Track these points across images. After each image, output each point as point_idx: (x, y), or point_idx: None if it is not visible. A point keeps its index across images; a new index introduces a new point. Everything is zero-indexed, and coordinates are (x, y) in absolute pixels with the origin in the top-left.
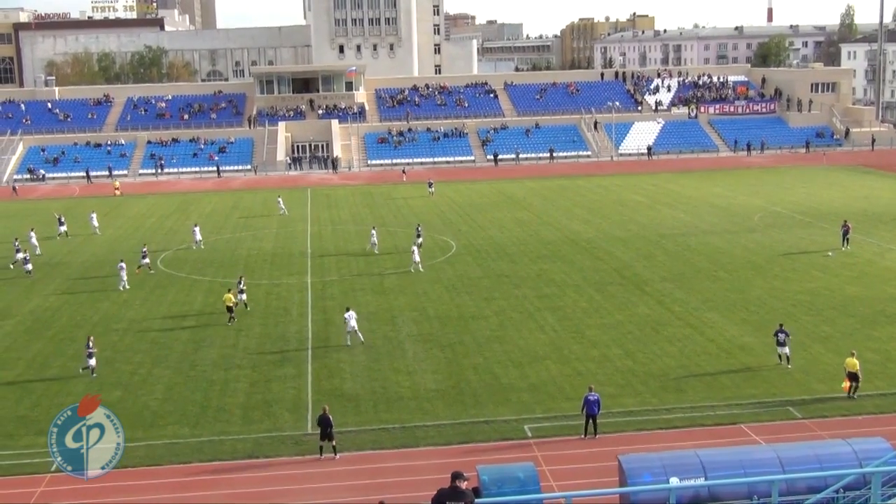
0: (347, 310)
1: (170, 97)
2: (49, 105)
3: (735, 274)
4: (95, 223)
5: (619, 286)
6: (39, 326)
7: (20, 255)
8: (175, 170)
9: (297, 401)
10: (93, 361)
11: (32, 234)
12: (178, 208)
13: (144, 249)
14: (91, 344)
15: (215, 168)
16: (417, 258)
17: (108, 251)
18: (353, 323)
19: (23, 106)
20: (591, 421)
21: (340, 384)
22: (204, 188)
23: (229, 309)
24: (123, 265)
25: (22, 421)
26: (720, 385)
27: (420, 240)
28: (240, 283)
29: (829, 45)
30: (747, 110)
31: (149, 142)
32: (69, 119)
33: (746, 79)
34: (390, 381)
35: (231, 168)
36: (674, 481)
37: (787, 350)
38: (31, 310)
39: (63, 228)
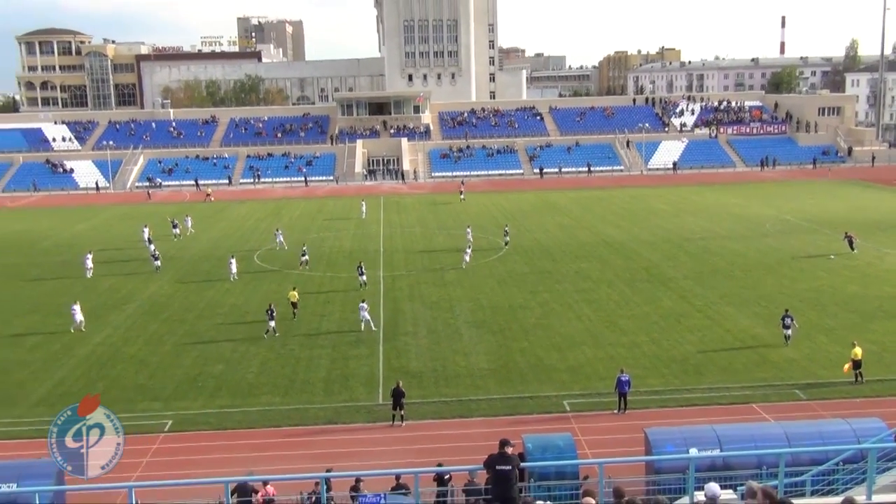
0: (363, 301)
1: (266, 118)
2: (169, 124)
3: (749, 273)
4: (189, 224)
5: (646, 283)
6: (156, 309)
7: (153, 248)
8: (269, 180)
9: (370, 376)
10: (273, 323)
11: (146, 230)
12: (271, 212)
13: (305, 248)
14: (272, 308)
15: (303, 178)
16: (467, 257)
17: (212, 248)
18: (365, 314)
19: (153, 125)
20: (622, 398)
21: (407, 363)
22: (293, 195)
23: (293, 305)
24: (234, 260)
25: (140, 389)
26: (734, 369)
27: (507, 238)
28: (360, 268)
29: (835, 74)
30: (761, 131)
31: (248, 156)
32: (182, 136)
33: (761, 104)
34: (449, 361)
35: (316, 178)
36: (693, 452)
37: (790, 332)
38: (149, 295)
39: (176, 231)
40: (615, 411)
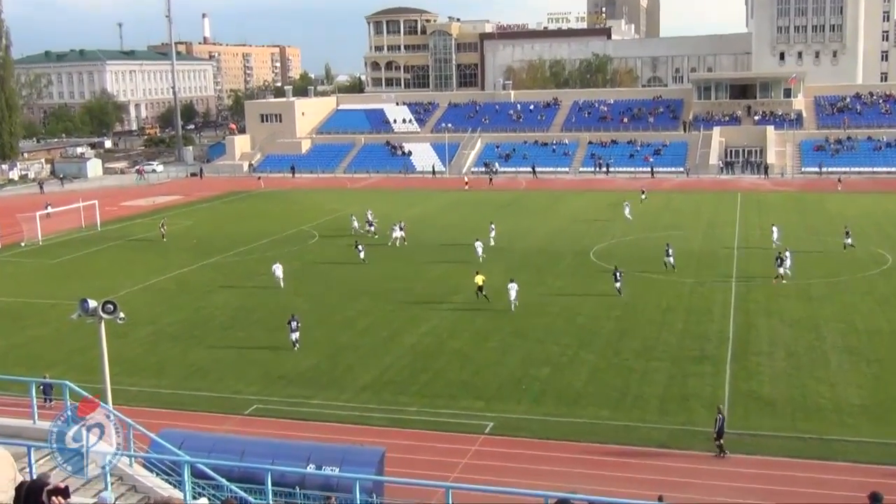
0: (511, 281)
1: (611, 101)
2: (509, 107)
3: None
4: (491, 238)
5: None
6: (482, 302)
7: (397, 234)
8: (612, 169)
9: (713, 398)
10: (619, 283)
11: (365, 214)
12: (612, 204)
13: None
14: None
15: (649, 169)
16: (789, 262)
17: (548, 241)
18: (513, 294)
19: (492, 107)
20: None
21: (758, 387)
22: (637, 187)
23: (479, 289)
24: (479, 243)
25: (463, 385)
26: None
27: (849, 240)
28: (667, 249)
29: None
30: None
31: (589, 142)
32: (521, 119)
33: None
34: (810, 390)
35: (664, 170)
36: None
37: None
38: (475, 289)
39: (371, 228)
40: None
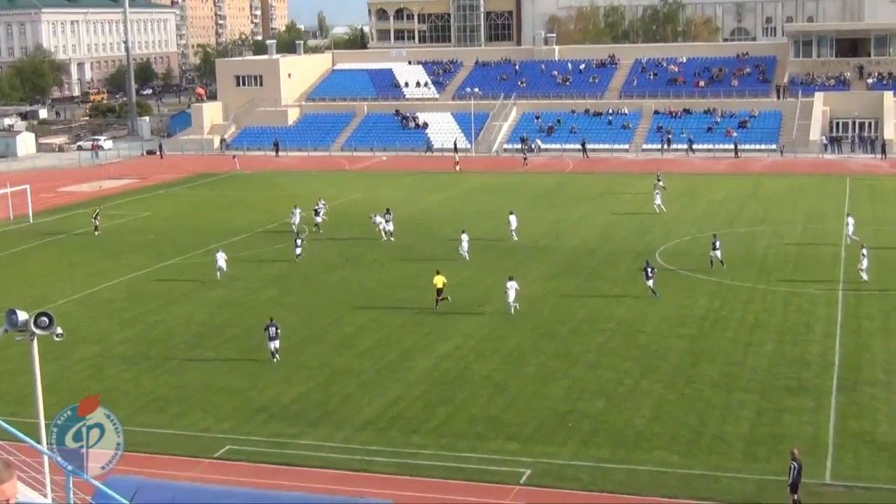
0: (510, 279)
1: (684, 60)
2: (553, 66)
3: None
4: (322, 211)
5: None
6: (518, 316)
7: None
8: (683, 146)
9: (814, 440)
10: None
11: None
12: (684, 192)
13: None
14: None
15: (733, 146)
16: (865, 263)
17: (601, 238)
18: (513, 294)
19: (532, 67)
20: None
21: (872, 427)
22: (716, 170)
23: (438, 292)
24: (465, 234)
25: (492, 422)
26: None
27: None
28: (714, 241)
29: None
30: None
31: (655, 112)
32: (568, 83)
33: None
34: None
35: (751, 147)
36: None
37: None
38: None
39: (319, 219)
40: None
